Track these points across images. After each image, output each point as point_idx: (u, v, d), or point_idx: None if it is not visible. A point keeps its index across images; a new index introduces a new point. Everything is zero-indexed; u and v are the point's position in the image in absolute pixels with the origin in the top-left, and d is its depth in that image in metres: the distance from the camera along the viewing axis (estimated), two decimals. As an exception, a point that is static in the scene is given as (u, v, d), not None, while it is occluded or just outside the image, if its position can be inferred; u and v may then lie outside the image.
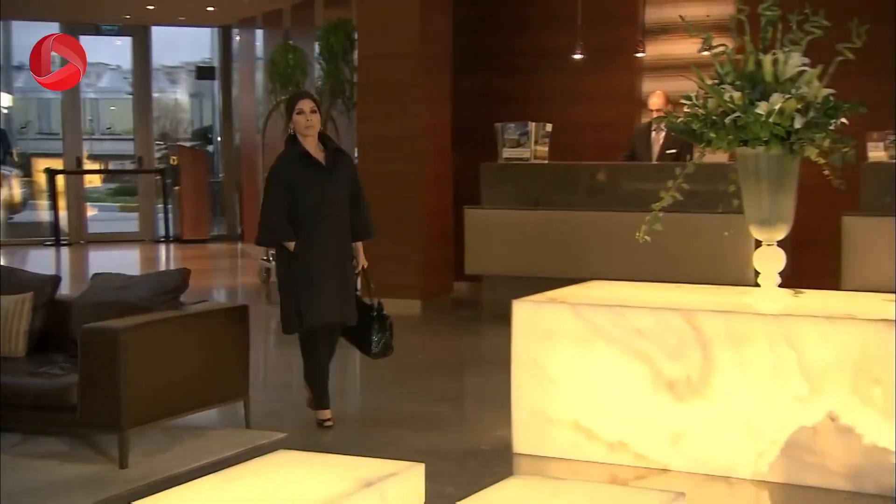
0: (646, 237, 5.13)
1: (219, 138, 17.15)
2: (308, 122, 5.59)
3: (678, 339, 4.89)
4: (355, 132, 10.59)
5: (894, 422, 4.49)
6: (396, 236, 9.66)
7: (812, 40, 4.94)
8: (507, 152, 9.26)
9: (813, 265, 7.78)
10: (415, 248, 9.75)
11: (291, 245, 5.55)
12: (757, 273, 5.27)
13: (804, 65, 4.92)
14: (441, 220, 10.03)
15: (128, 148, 22.30)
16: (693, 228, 8.09)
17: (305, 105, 5.61)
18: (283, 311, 5.70)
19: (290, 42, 11.78)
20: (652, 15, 10.31)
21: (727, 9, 9.16)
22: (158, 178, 16.56)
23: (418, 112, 9.78)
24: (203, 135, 19.83)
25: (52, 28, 16.28)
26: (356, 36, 10.38)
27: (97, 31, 16.98)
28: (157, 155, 17.58)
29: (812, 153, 4.94)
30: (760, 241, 5.23)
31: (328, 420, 5.76)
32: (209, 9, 13.70)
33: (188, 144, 18.89)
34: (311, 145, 5.62)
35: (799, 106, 4.85)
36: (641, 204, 5.44)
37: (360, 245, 5.82)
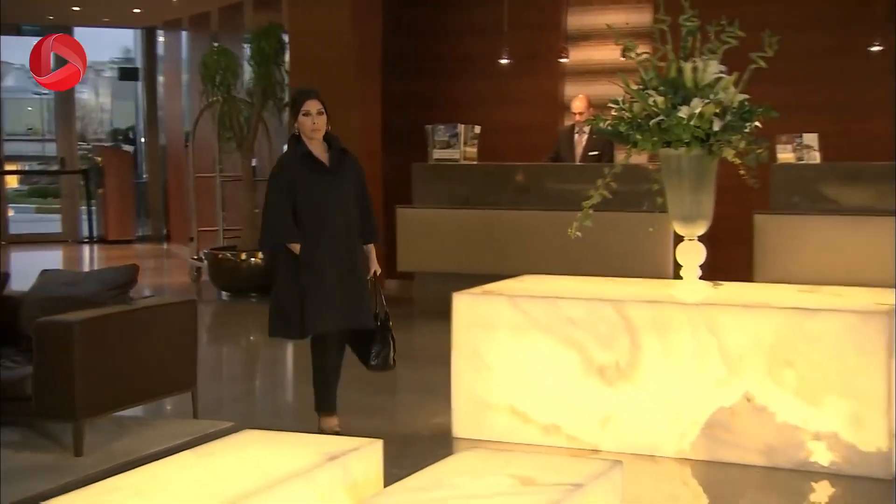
0: (577, 233, 5.47)
1: (142, 139, 17.15)
2: (315, 125, 5.37)
3: (608, 328, 5.23)
4: (286, 133, 10.77)
5: (804, 402, 4.90)
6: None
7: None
8: (437, 153, 9.54)
9: (727, 261, 8.16)
10: (346, 246, 10.00)
11: (296, 248, 5.32)
12: (678, 266, 5.65)
13: (721, 72, 5.30)
14: (372, 219, 10.28)
15: (37, 149, 22.06)
16: (614, 226, 8.43)
17: (312, 107, 5.38)
18: (273, 314, 5.48)
19: (218, 45, 11.92)
20: (574, 22, 10.70)
21: (644, 16, 9.68)
22: (83, 179, 16.50)
23: (349, 114, 10.01)
24: (123, 135, 19.76)
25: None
26: (287, 39, 10.58)
27: (18, 32, 16.83)
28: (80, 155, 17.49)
29: (729, 154, 5.32)
30: (681, 237, 5.61)
31: (336, 427, 5.52)
32: (135, 11, 13.75)
33: (108, 145, 18.82)
34: (317, 147, 5.41)
35: (717, 110, 5.21)
36: (566, 203, 5.76)
37: (371, 249, 5.60)
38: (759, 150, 5.31)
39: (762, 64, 5.22)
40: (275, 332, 5.52)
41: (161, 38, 16.28)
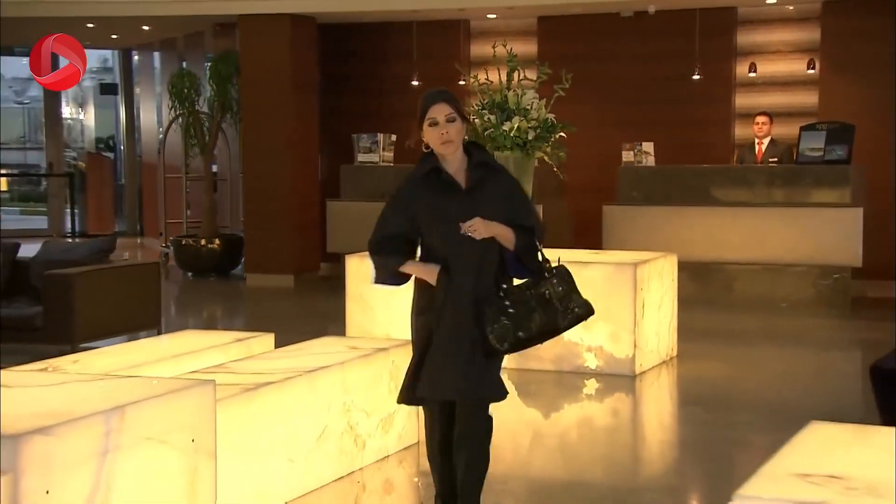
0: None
1: (121, 147, 19.19)
2: (444, 136, 3.99)
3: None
4: (241, 140, 12.96)
5: (582, 326, 7.05)
6: (274, 224, 12.07)
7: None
8: (361, 157, 11.71)
9: (587, 242, 10.28)
10: (288, 233, 12.14)
11: (413, 269, 4.11)
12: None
13: (534, 98, 7.46)
14: (309, 211, 12.41)
15: (19, 157, 23.85)
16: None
17: (439, 113, 3.99)
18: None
19: (184, 67, 14.02)
20: (475, 51, 12.85)
21: (530, 47, 11.83)
22: (68, 182, 18.58)
23: (291, 125, 12.11)
24: (104, 143, 21.82)
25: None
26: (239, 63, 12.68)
27: (11, 52, 19.03)
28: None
29: (541, 156, 7.49)
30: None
31: None
32: (113, 36, 15.78)
33: (93, 152, 20.91)
34: (453, 162, 4.05)
35: (531, 125, 7.37)
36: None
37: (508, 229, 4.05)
38: (560, 154, 7.48)
39: (562, 93, 7.36)
40: (399, 397, 4.26)
41: (135, 57, 18.31)
